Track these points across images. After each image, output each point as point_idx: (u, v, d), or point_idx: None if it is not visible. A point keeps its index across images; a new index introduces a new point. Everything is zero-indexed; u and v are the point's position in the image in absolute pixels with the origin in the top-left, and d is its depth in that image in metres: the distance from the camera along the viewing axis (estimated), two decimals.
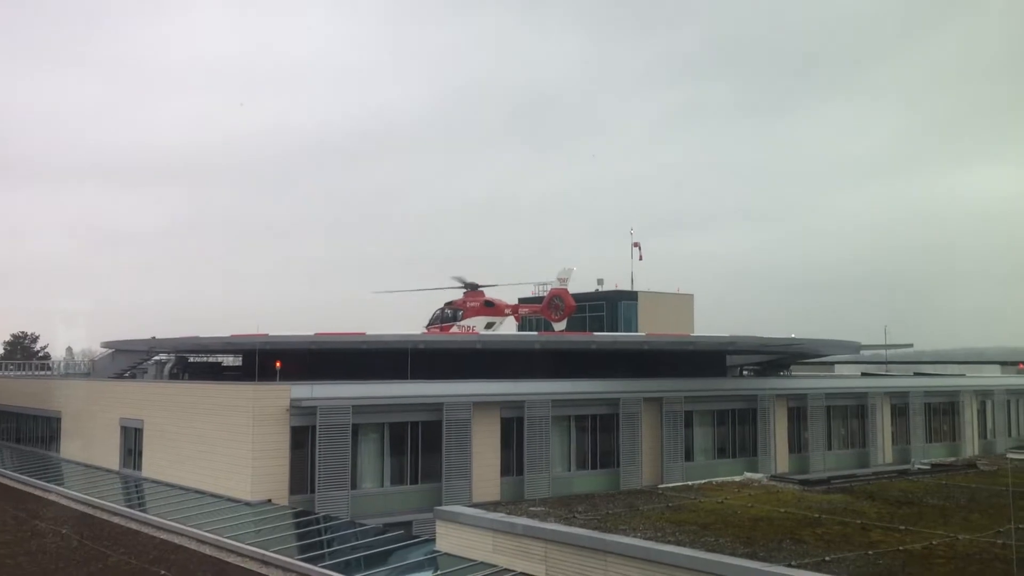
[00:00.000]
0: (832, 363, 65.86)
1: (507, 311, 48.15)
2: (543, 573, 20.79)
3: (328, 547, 25.16)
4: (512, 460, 35.61)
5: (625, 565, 19.10)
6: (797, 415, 45.69)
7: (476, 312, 47.17)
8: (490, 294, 48.45)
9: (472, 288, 48.21)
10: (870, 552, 19.59)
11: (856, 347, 51.32)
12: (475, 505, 27.98)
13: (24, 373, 64.67)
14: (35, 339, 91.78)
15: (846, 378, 57.22)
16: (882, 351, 64.24)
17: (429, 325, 48.40)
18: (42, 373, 64.50)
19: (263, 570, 23.20)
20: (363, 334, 36.88)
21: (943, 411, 53.64)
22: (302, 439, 31.29)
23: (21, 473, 41.18)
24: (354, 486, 31.90)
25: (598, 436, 38.32)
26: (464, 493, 33.21)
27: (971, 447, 53.82)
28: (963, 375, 59.66)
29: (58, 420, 46.25)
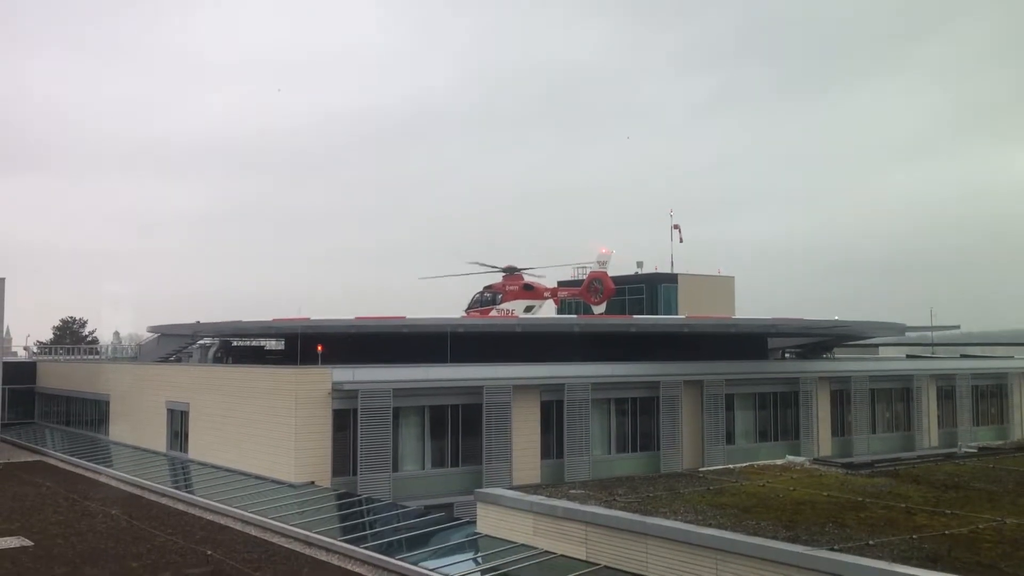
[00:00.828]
0: (876, 345, 64.95)
1: (546, 294, 48.13)
2: (583, 555, 20.83)
3: (370, 528, 25.44)
4: (552, 443, 35.68)
5: (666, 547, 19.09)
6: (840, 398, 45.18)
7: (515, 296, 47.22)
8: (529, 277, 48.46)
9: (511, 271, 48.23)
10: (915, 536, 19.32)
11: (901, 329, 50.57)
12: (515, 488, 28.07)
13: (73, 357, 66.04)
14: (83, 324, 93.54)
15: (891, 360, 56.47)
16: (928, 333, 63.19)
17: (469, 309, 48.55)
18: (91, 357, 65.86)
19: (307, 551, 23.53)
20: (403, 318, 37.11)
21: (991, 394, 52.72)
22: (344, 422, 31.62)
23: (72, 455, 42.16)
24: (395, 468, 32.18)
25: (638, 419, 38.24)
26: (504, 476, 33.36)
27: (1020, 430, 52.84)
28: (1011, 357, 58.52)
29: (107, 403, 47.19)
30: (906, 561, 16.87)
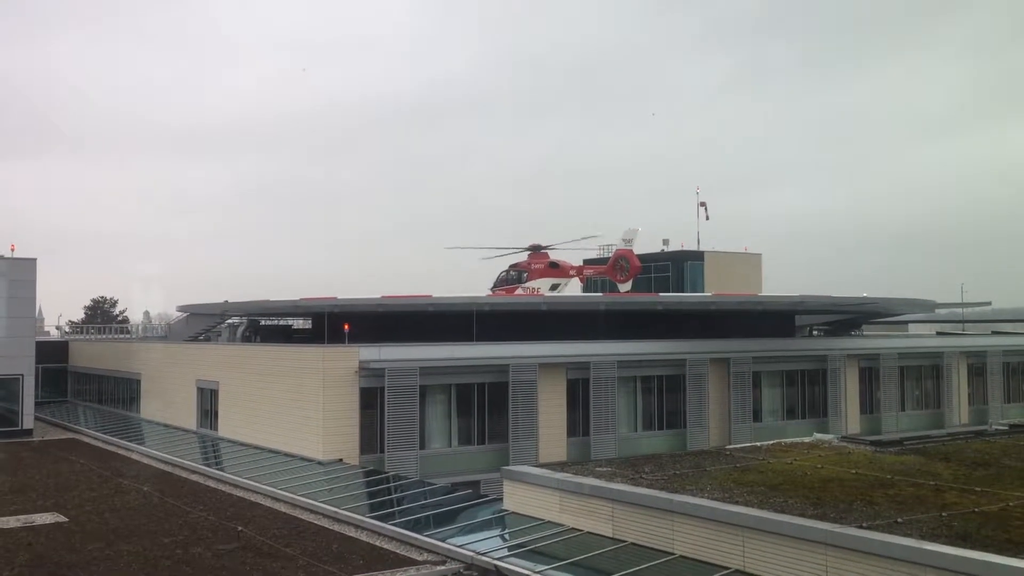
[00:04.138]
0: (906, 322, 64.36)
1: (572, 272, 48.03)
2: (610, 533, 20.90)
3: (398, 505, 25.65)
4: (578, 421, 35.73)
5: (692, 525, 19.10)
6: (869, 375, 44.86)
7: (541, 274, 47.16)
8: (555, 255, 48.36)
9: (536, 250, 48.16)
10: (944, 514, 19.20)
11: (931, 306, 50.05)
12: (542, 465, 28.18)
13: (104, 337, 66.85)
14: (114, 303, 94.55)
15: (920, 337, 55.95)
16: (958, 309, 62.49)
17: (494, 287, 48.57)
18: (121, 336, 66.63)
19: (335, 527, 23.77)
20: (429, 296, 37.20)
21: (1022, 371, 52.11)
22: (371, 400, 31.82)
23: (104, 433, 42.81)
24: (422, 446, 32.38)
25: (664, 397, 38.19)
26: (531, 453, 33.48)
27: None
28: None
29: (138, 382, 47.79)
30: (935, 539, 16.77)
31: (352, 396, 31.42)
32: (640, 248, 48.08)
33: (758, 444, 32.58)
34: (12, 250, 45.37)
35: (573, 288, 48.37)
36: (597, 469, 25.22)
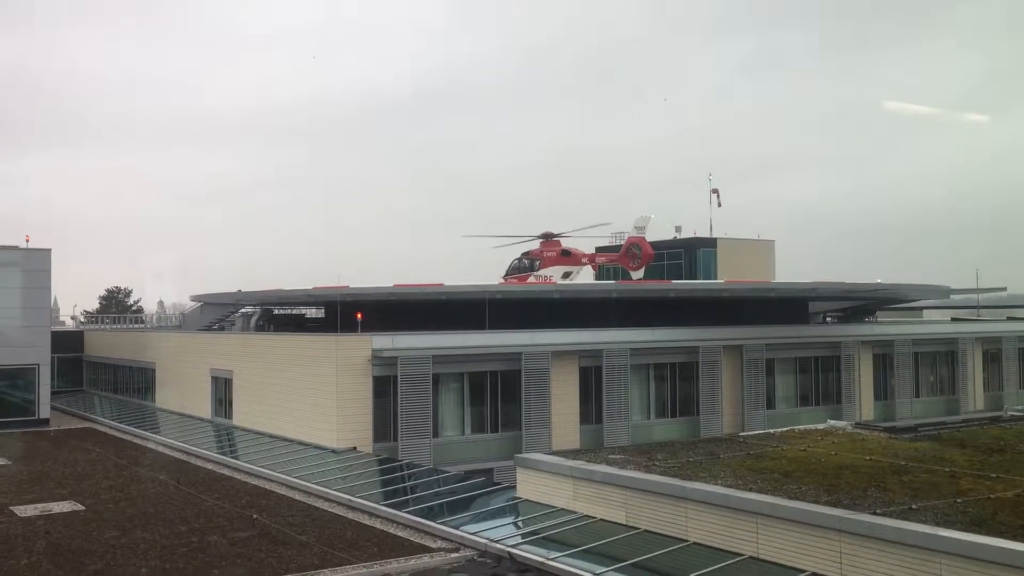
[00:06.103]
0: (920, 308, 64.02)
1: (584, 260, 47.98)
2: (623, 520, 20.92)
3: (412, 493, 25.74)
4: (591, 408, 35.73)
5: (706, 512, 19.10)
6: (883, 362, 44.68)
7: (553, 262, 47.12)
8: (567, 243, 48.30)
9: (548, 237, 48.10)
10: (959, 500, 19.16)
11: (945, 291, 49.77)
12: (555, 453, 28.23)
13: (119, 326, 67.22)
14: (128, 293, 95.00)
15: (935, 323, 55.66)
16: (973, 295, 62.10)
17: (506, 275, 48.57)
18: (136, 326, 66.99)
19: (350, 515, 23.88)
20: (441, 285, 37.22)
21: None
22: (384, 388, 31.90)
23: (120, 422, 43.10)
24: (436, 434, 32.44)
25: (677, 384, 38.14)
26: (544, 441, 33.51)
27: None
28: None
29: (152, 371, 48.06)
30: (950, 525, 16.74)
31: (365, 384, 31.50)
32: (652, 235, 48.02)
33: (772, 431, 32.57)
34: (27, 241, 45.64)
35: (585, 276, 48.31)
36: (610, 456, 25.26)
